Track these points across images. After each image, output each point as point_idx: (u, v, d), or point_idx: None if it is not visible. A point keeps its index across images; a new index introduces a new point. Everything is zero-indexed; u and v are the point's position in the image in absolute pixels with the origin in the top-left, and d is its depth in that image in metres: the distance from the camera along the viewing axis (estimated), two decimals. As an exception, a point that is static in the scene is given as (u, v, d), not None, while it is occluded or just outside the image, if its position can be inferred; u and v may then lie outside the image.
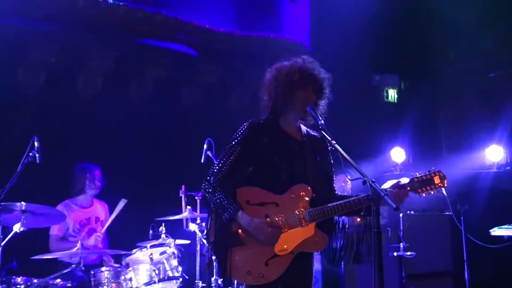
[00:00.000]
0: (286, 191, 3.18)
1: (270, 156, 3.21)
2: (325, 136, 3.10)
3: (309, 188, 3.19)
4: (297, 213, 3.14)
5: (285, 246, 3.10)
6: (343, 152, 3.00)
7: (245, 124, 3.29)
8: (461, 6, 7.89)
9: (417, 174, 3.22)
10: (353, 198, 3.13)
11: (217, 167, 3.22)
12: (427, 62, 8.66)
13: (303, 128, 3.39)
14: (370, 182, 2.83)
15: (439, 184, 3.19)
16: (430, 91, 8.69)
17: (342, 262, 5.43)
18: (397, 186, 3.19)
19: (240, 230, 3.11)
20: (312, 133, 3.38)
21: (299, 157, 3.27)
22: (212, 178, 3.20)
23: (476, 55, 8.32)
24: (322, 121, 3.14)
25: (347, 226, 3.33)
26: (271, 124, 3.30)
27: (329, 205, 3.15)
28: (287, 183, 3.18)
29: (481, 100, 8.26)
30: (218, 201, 3.13)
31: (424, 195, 3.21)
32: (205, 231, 3.32)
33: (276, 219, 3.14)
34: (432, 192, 3.21)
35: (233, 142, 3.24)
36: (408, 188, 3.18)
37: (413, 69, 8.74)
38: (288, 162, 3.23)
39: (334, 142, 3.06)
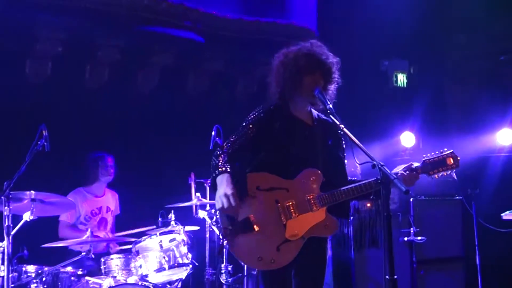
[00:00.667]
0: (297, 176, 3.15)
1: (280, 142, 3.20)
2: (334, 121, 3.06)
3: (319, 172, 3.16)
4: (308, 197, 3.12)
5: (296, 231, 3.09)
6: (351, 136, 2.97)
7: (258, 107, 3.27)
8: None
9: (429, 156, 3.19)
10: (363, 182, 3.11)
11: (230, 141, 3.22)
12: (437, 46, 8.56)
13: (314, 112, 3.36)
14: (380, 166, 2.79)
15: (453, 166, 3.18)
16: (439, 75, 8.60)
17: (352, 247, 5.44)
18: (408, 168, 3.16)
19: (252, 216, 3.10)
20: (324, 117, 3.35)
21: (310, 142, 3.25)
22: (225, 146, 3.20)
23: (485, 38, 8.21)
24: (331, 105, 3.10)
25: (358, 210, 3.32)
26: (282, 109, 3.28)
27: (340, 189, 3.12)
28: (298, 168, 3.16)
29: (491, 84, 8.17)
30: (216, 162, 3.13)
31: (436, 176, 3.19)
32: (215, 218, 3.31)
33: (287, 204, 3.12)
34: (445, 174, 3.19)
35: (247, 122, 3.23)
36: (420, 171, 3.17)
37: (422, 54, 8.64)
38: (298, 147, 3.21)
39: (343, 126, 3.02)
